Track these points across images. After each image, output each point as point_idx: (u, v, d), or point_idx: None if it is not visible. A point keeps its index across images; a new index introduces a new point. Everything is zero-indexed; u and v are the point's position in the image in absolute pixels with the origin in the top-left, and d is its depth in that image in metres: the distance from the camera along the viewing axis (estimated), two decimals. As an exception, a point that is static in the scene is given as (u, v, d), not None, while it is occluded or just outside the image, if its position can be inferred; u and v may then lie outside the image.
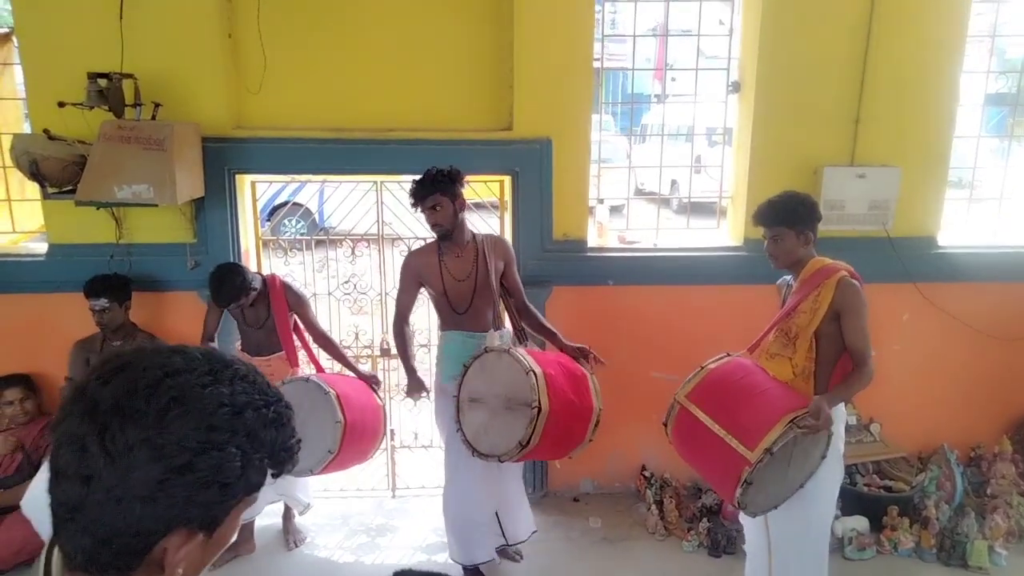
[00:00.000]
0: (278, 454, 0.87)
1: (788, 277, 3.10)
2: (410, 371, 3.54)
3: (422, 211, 3.30)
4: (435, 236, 3.41)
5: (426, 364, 4.21)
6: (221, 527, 0.86)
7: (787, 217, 2.90)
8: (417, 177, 3.31)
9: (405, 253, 4.34)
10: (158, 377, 0.81)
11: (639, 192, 8.08)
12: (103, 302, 3.74)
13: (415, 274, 3.42)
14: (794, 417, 2.62)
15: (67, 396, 0.83)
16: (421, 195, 3.26)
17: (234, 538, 0.92)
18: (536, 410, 2.87)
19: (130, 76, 3.67)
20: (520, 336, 3.51)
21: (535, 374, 2.93)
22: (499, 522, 3.64)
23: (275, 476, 0.88)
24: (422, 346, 4.49)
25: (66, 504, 0.80)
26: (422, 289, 3.52)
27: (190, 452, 0.79)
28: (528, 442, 2.90)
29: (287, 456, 0.88)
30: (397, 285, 4.25)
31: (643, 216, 4.83)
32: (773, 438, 2.58)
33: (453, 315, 3.39)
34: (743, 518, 3.15)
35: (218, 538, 0.87)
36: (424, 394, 3.61)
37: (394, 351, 3.93)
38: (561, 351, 3.37)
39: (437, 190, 3.24)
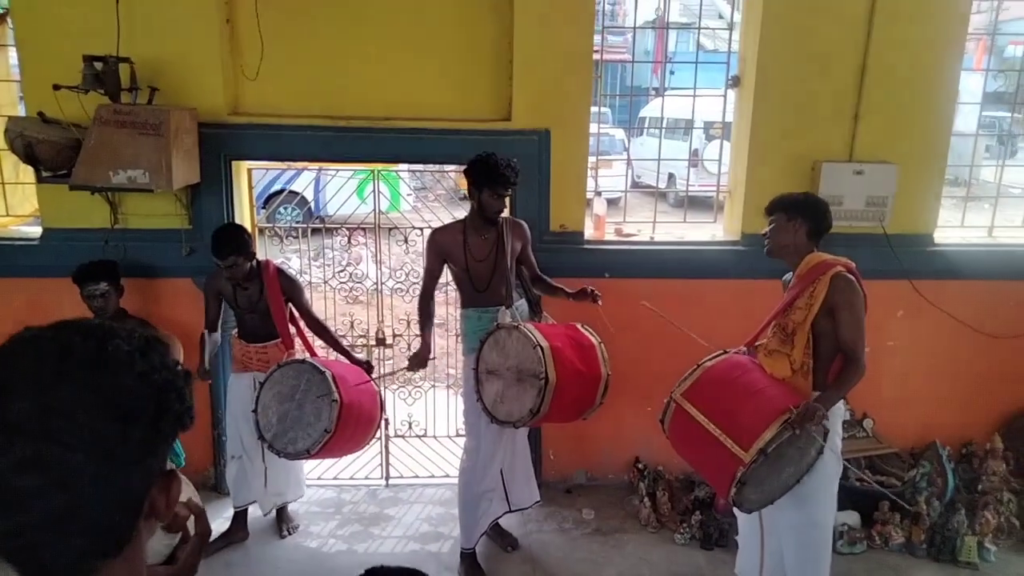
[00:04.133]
0: (183, 373, 0.88)
1: (791, 274, 3.09)
2: (425, 344, 3.65)
3: (491, 195, 3.39)
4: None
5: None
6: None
7: (785, 204, 2.96)
8: (492, 163, 3.38)
9: (401, 243, 4.37)
10: (55, 365, 0.77)
11: (636, 185, 8.08)
12: (103, 286, 3.71)
13: (439, 250, 3.57)
14: (789, 417, 2.63)
15: None
16: (511, 183, 3.41)
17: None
18: (543, 381, 3.07)
19: (126, 60, 3.64)
20: (535, 309, 3.69)
21: (542, 348, 3.12)
22: (504, 486, 3.78)
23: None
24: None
25: (52, 516, 0.76)
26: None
27: (151, 399, 0.79)
28: (538, 410, 3.11)
29: (186, 373, 0.89)
30: (392, 275, 4.30)
31: (640, 209, 4.83)
32: (767, 438, 2.59)
33: (473, 291, 3.56)
34: (738, 511, 3.16)
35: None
36: (420, 369, 3.68)
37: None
38: (570, 296, 3.58)
39: (517, 181, 3.44)
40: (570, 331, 3.42)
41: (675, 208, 7.21)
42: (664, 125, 4.65)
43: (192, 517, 1.04)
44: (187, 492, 1.07)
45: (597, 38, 4.23)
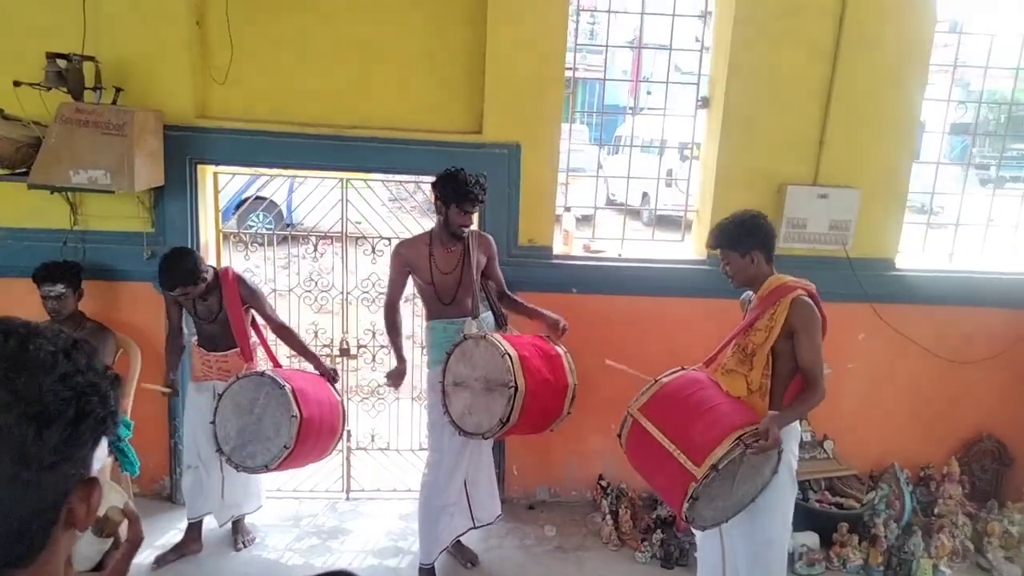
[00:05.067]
0: (110, 377, 0.86)
1: (750, 293, 3.12)
2: (399, 357, 3.64)
3: (458, 213, 3.36)
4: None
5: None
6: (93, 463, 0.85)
7: (729, 240, 2.94)
8: (459, 179, 3.34)
9: (369, 252, 4.33)
10: None
11: (610, 203, 8.13)
12: (59, 288, 3.62)
13: (404, 263, 3.53)
14: (741, 434, 2.64)
15: None
16: (479, 201, 3.37)
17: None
18: (513, 389, 3.06)
19: (91, 58, 3.59)
20: (500, 321, 3.65)
21: (510, 357, 3.11)
22: (468, 501, 3.76)
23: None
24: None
25: None
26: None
27: (71, 402, 0.77)
28: (508, 419, 3.10)
29: (114, 377, 0.87)
30: (359, 286, 4.26)
31: (613, 227, 4.84)
32: (719, 455, 2.60)
33: (439, 304, 3.53)
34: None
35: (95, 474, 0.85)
36: (399, 384, 3.68)
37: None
38: (540, 318, 3.56)
39: (483, 198, 3.38)
40: (536, 341, 3.42)
41: (649, 226, 7.25)
42: (637, 144, 4.68)
43: (125, 522, 1.01)
44: (122, 498, 1.03)
45: (573, 56, 4.25)
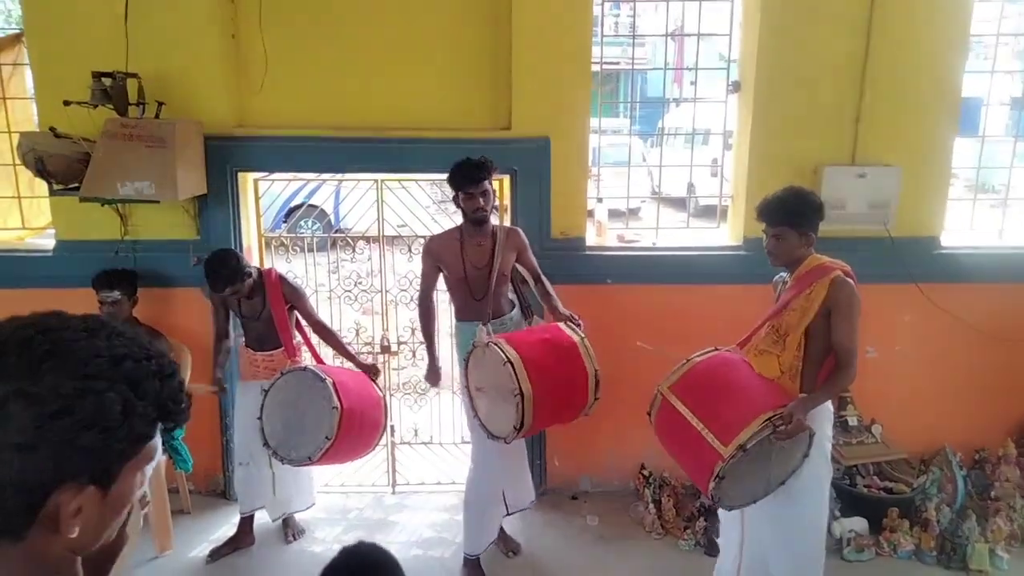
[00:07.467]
0: (166, 404, 0.88)
1: (784, 274, 3.08)
2: (432, 356, 3.70)
3: (465, 198, 3.40)
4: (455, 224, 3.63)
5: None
6: (117, 484, 0.86)
7: (792, 218, 2.86)
8: (456, 165, 3.39)
9: (406, 252, 4.41)
10: (29, 335, 0.82)
11: (655, 194, 8.08)
12: (116, 294, 3.82)
13: (436, 258, 3.56)
14: (771, 416, 2.62)
15: None
16: (476, 179, 3.35)
17: (135, 502, 0.91)
18: (519, 396, 3.03)
19: (134, 75, 3.76)
20: (527, 313, 3.67)
21: (512, 363, 3.06)
22: (502, 490, 3.78)
23: (166, 429, 0.90)
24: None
25: None
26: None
27: (65, 398, 0.81)
28: (521, 425, 3.09)
29: (176, 408, 0.89)
30: (397, 284, 4.36)
31: (662, 218, 4.76)
32: (748, 435, 2.59)
33: (470, 301, 3.53)
34: (721, 512, 3.14)
35: (115, 498, 0.87)
36: (438, 385, 3.74)
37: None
38: (555, 314, 3.51)
39: (486, 176, 3.38)
40: (550, 333, 3.37)
41: (695, 216, 7.18)
42: (679, 134, 4.64)
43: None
44: None
45: (618, 50, 4.25)
